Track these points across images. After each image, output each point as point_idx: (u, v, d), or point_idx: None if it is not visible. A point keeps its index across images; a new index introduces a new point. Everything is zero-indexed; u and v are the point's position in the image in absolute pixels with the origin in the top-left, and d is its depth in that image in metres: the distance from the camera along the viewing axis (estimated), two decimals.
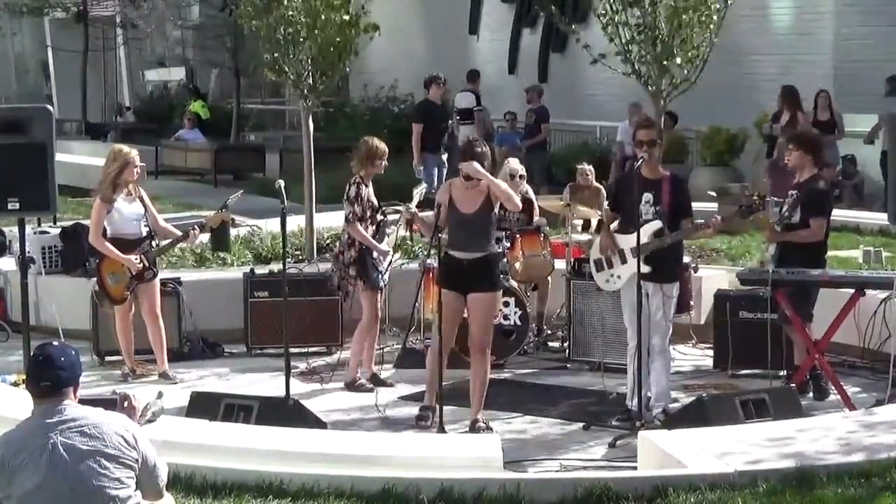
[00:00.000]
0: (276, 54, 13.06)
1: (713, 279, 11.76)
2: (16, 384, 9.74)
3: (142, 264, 10.48)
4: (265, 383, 10.23)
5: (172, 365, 10.83)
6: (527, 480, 7.13)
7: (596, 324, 10.98)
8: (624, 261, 9.29)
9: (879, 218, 13.99)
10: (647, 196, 9.17)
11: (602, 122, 23.20)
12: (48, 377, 5.04)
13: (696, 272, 11.40)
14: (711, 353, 11.05)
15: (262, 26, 13.05)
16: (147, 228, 10.61)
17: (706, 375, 10.77)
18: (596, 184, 13.68)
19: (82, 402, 5.17)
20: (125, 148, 10.80)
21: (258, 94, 34.33)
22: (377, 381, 10.48)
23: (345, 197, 10.30)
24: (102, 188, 10.50)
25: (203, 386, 10.26)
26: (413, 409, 9.63)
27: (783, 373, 10.13)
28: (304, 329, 10.98)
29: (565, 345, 11.41)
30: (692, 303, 11.06)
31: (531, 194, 12.22)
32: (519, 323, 11.13)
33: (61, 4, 35.65)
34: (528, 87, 22.67)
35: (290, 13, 12.74)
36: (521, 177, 11.87)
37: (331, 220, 13.56)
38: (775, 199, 10.33)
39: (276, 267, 11.79)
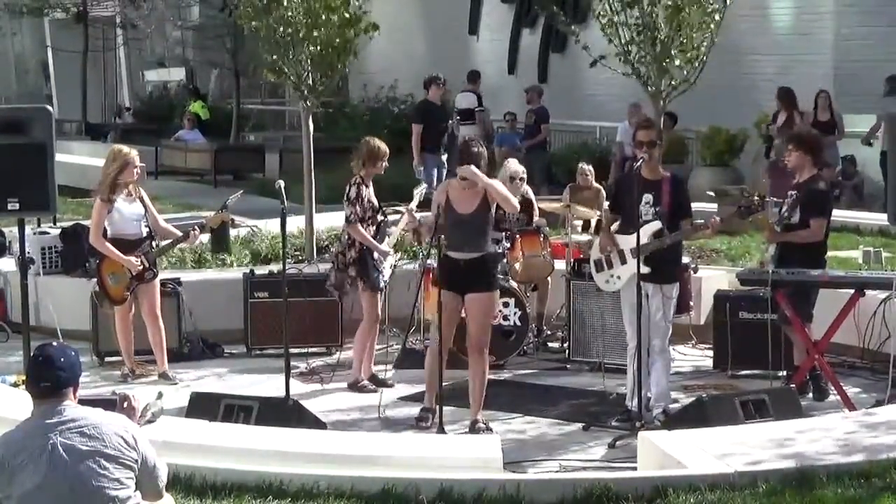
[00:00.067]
0: (275, 55, 13.06)
1: (713, 279, 11.76)
2: (16, 385, 9.74)
3: (142, 265, 10.47)
4: (265, 383, 10.22)
5: (172, 365, 10.83)
6: (527, 481, 7.13)
7: (596, 324, 10.98)
8: (624, 261, 9.29)
9: (879, 218, 13.98)
10: (647, 197, 9.17)
11: (602, 123, 23.20)
12: (48, 378, 5.04)
13: (695, 273, 11.41)
14: (711, 353, 11.05)
15: (261, 27, 13.05)
16: (147, 229, 10.60)
17: (706, 376, 10.77)
18: (596, 184, 13.68)
19: (82, 402, 5.17)
20: (125, 148, 10.80)
21: (258, 95, 34.33)
22: (377, 382, 10.49)
23: (345, 198, 10.29)
24: (102, 188, 10.50)
25: (203, 386, 10.26)
26: (413, 410, 9.63)
27: (783, 373, 10.14)
28: (304, 329, 10.99)
29: (565, 345, 11.41)
30: (692, 303, 11.06)
31: (531, 195, 12.23)
32: (519, 323, 11.13)
33: (61, 5, 35.64)
34: (527, 87, 22.67)
35: (290, 13, 12.74)
36: (521, 179, 11.87)
37: (331, 221, 13.56)
38: (775, 199, 10.33)
39: (275, 267, 11.79)
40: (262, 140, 28.53)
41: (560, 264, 11.89)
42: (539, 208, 12.23)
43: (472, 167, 9.12)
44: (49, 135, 8.91)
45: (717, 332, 10.91)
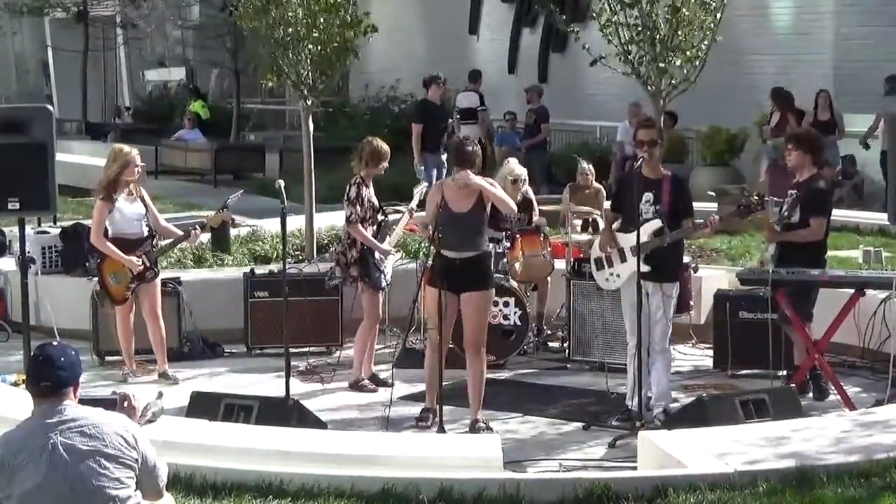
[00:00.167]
0: (274, 55, 13.06)
1: (713, 279, 11.76)
2: (16, 384, 9.74)
3: (143, 264, 10.47)
4: (265, 383, 10.22)
5: (172, 365, 10.82)
6: (527, 480, 7.13)
7: (596, 324, 10.98)
8: (624, 259, 9.29)
9: (879, 218, 13.99)
10: (648, 195, 9.18)
11: (602, 122, 23.20)
12: (48, 377, 5.04)
13: (695, 272, 11.41)
14: (711, 353, 11.05)
15: (261, 27, 13.05)
16: (148, 228, 10.60)
17: (706, 375, 10.77)
18: (596, 184, 13.67)
19: (82, 402, 5.18)
20: (126, 148, 10.79)
21: (258, 94, 34.32)
22: (377, 381, 10.49)
23: (345, 198, 10.29)
24: (103, 188, 10.50)
25: (203, 386, 10.25)
26: (413, 409, 9.63)
27: (783, 373, 10.14)
28: (304, 329, 10.99)
29: (565, 345, 11.41)
30: (692, 303, 11.07)
31: (531, 195, 12.23)
32: (519, 323, 11.14)
33: (61, 4, 35.66)
34: (527, 87, 22.67)
35: (289, 14, 12.74)
36: (522, 181, 11.86)
37: (331, 220, 13.56)
38: (775, 199, 10.33)
39: (276, 267, 11.79)
40: (262, 140, 28.53)
41: (560, 264, 11.90)
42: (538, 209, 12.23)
43: (469, 173, 9.12)
44: (49, 134, 8.91)
45: (717, 331, 10.91)
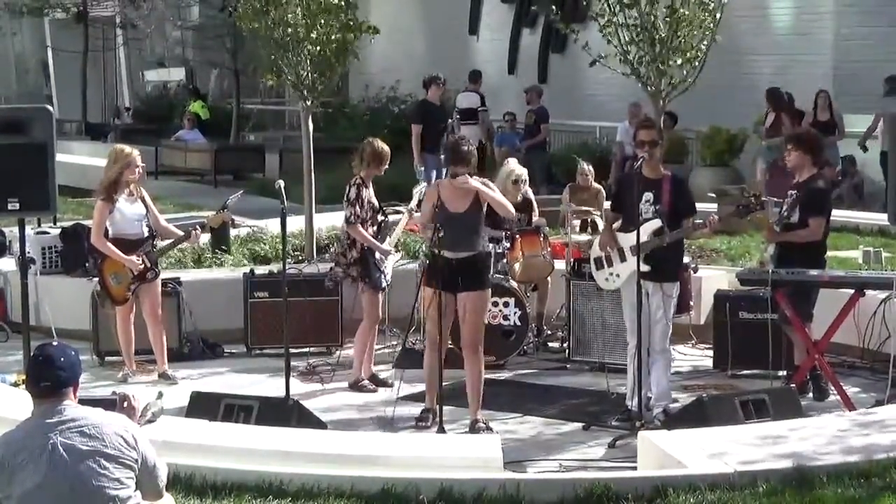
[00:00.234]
0: (273, 56, 13.06)
1: (713, 279, 11.76)
2: (16, 384, 9.74)
3: (143, 265, 10.47)
4: (265, 383, 10.23)
5: (172, 365, 10.83)
6: (527, 481, 7.13)
7: (596, 324, 10.99)
8: (623, 259, 9.30)
9: (879, 218, 13.99)
10: (648, 195, 9.18)
11: (602, 123, 23.20)
12: (48, 377, 5.04)
13: (695, 272, 11.41)
14: (711, 353, 11.05)
15: (260, 28, 13.04)
16: (148, 229, 10.60)
17: (706, 376, 10.77)
18: (596, 184, 13.68)
19: (82, 402, 5.17)
20: (126, 148, 10.79)
21: (258, 95, 34.33)
22: (376, 382, 10.50)
23: (345, 199, 10.29)
24: (104, 188, 10.50)
25: (203, 386, 10.25)
26: (413, 409, 9.63)
27: (783, 373, 10.14)
28: (303, 329, 11.00)
29: (565, 345, 11.41)
30: (692, 303, 11.07)
31: (531, 195, 12.23)
32: (519, 323, 11.14)
33: (61, 5, 35.64)
34: (527, 87, 22.67)
35: (289, 15, 12.73)
36: (523, 181, 11.90)
37: (331, 221, 13.56)
38: (774, 199, 10.33)
39: (275, 267, 11.79)
40: (262, 140, 28.53)
41: (560, 264, 11.90)
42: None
43: (467, 177, 9.12)
44: (49, 135, 8.91)
45: (717, 331, 10.91)
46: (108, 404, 5.51)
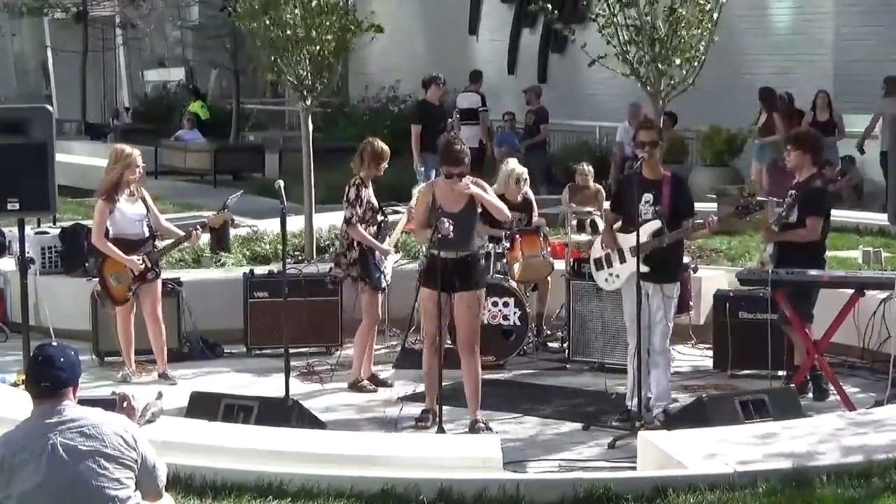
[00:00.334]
0: (273, 56, 13.05)
1: (713, 279, 11.76)
2: (16, 384, 9.74)
3: (144, 265, 10.46)
4: (265, 383, 10.23)
5: (172, 365, 10.83)
6: (526, 481, 7.13)
7: (595, 324, 10.99)
8: (623, 260, 9.30)
9: (879, 218, 14.00)
10: (647, 196, 9.18)
11: (602, 123, 23.20)
12: (48, 377, 5.04)
13: (695, 272, 11.41)
14: (711, 353, 11.05)
15: (259, 28, 13.03)
16: (149, 229, 10.60)
17: (706, 376, 10.77)
18: (595, 184, 13.69)
19: (82, 402, 5.18)
20: (127, 148, 10.79)
21: (258, 95, 34.33)
22: (376, 382, 10.50)
23: (344, 199, 10.29)
24: (104, 189, 10.49)
25: (203, 386, 10.25)
26: (413, 409, 9.63)
27: (783, 373, 10.14)
28: (303, 329, 11.00)
29: (565, 345, 11.41)
30: (692, 303, 11.07)
31: (530, 195, 12.23)
32: (518, 323, 11.14)
33: (61, 5, 35.63)
34: (526, 87, 22.66)
35: (287, 16, 12.72)
36: (524, 180, 11.91)
37: (331, 221, 13.56)
38: (775, 199, 10.33)
39: (275, 267, 11.79)
40: (261, 140, 28.52)
41: (560, 264, 11.90)
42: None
43: (468, 182, 9.11)
44: (49, 135, 8.91)
45: (716, 332, 10.91)
46: (108, 404, 5.51)
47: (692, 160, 21.09)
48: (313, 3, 12.72)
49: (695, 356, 11.38)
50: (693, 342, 11.55)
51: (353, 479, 6.86)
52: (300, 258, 12.96)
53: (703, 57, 12.12)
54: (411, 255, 12.50)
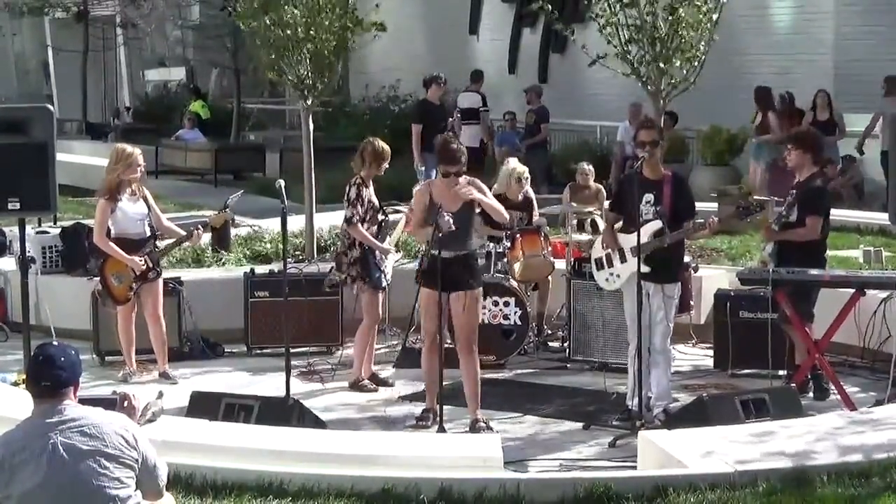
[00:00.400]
0: (273, 56, 13.05)
1: (713, 279, 11.76)
2: (16, 384, 9.74)
3: (145, 264, 10.46)
4: (265, 383, 10.23)
5: (172, 365, 10.83)
6: (527, 480, 7.13)
7: (596, 324, 10.99)
8: (624, 260, 9.30)
9: (879, 218, 14.00)
10: (648, 196, 9.18)
11: (602, 122, 23.20)
12: (48, 377, 5.04)
13: (696, 272, 11.41)
14: (711, 353, 11.05)
15: (259, 28, 13.02)
16: (151, 228, 10.60)
17: (706, 375, 10.77)
18: (596, 184, 13.69)
19: (82, 401, 5.18)
20: (128, 148, 10.79)
21: (258, 94, 34.33)
22: (377, 381, 10.50)
23: (345, 198, 10.29)
24: (106, 188, 10.49)
25: (203, 386, 10.25)
26: (413, 409, 9.63)
27: (783, 372, 10.14)
28: (303, 329, 11.00)
29: (565, 345, 11.41)
30: (692, 303, 11.07)
31: (531, 194, 12.24)
32: (519, 323, 11.14)
33: (61, 4, 35.65)
34: (526, 87, 22.66)
35: (287, 16, 12.71)
36: (525, 178, 11.92)
37: (331, 220, 13.56)
38: (775, 199, 10.33)
39: (276, 267, 11.79)
40: (262, 139, 28.52)
41: (560, 264, 11.90)
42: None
43: (471, 189, 9.09)
44: (49, 134, 8.90)
45: (717, 331, 10.91)
46: (108, 404, 5.51)
47: (693, 160, 21.09)
48: (312, 2, 12.72)
49: (695, 356, 11.38)
50: (693, 342, 11.55)
51: (354, 478, 6.86)
52: (301, 258, 12.96)
53: (703, 56, 12.12)
54: (412, 254, 12.49)
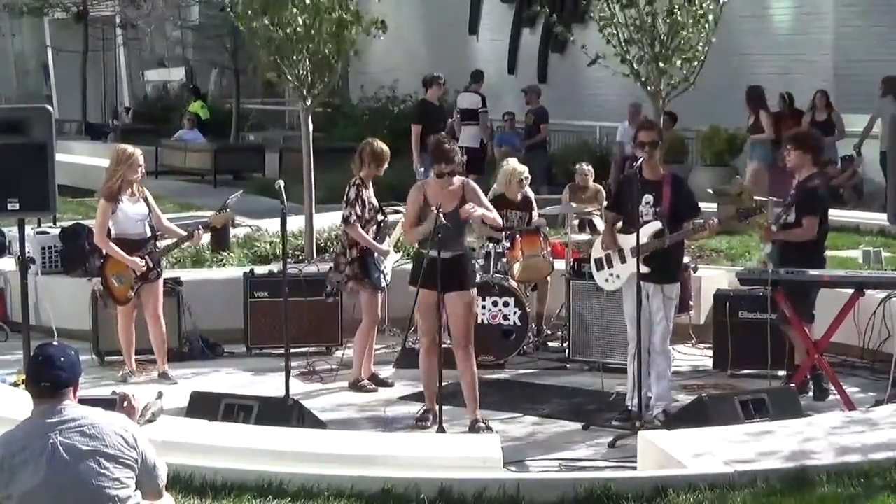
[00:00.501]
0: (273, 56, 13.04)
1: (713, 279, 11.77)
2: (16, 384, 9.74)
3: (146, 265, 10.46)
4: (265, 383, 10.23)
5: (172, 365, 10.83)
6: (526, 480, 7.13)
7: (595, 324, 10.99)
8: (623, 260, 9.30)
9: (879, 218, 14.00)
10: (648, 197, 9.18)
11: (602, 123, 23.20)
12: (48, 377, 5.04)
13: (695, 272, 11.42)
14: (711, 353, 11.05)
15: (259, 28, 13.01)
16: (151, 229, 10.60)
17: (706, 375, 10.78)
18: (595, 184, 13.69)
19: (82, 402, 5.18)
20: (129, 148, 10.79)
21: (258, 94, 34.34)
22: (376, 381, 10.50)
23: (344, 199, 10.29)
24: (106, 188, 10.49)
25: (203, 386, 10.25)
26: (413, 409, 9.63)
27: (783, 373, 10.14)
28: (303, 329, 11.00)
29: (565, 345, 11.41)
30: (692, 303, 11.07)
31: (530, 194, 12.24)
32: (518, 323, 11.14)
33: (61, 4, 35.64)
34: (525, 87, 22.65)
35: (287, 17, 12.69)
36: (525, 178, 11.94)
37: (331, 220, 13.56)
38: (775, 199, 10.33)
39: (275, 267, 11.80)
40: (261, 140, 28.52)
41: (560, 264, 11.90)
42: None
43: (476, 208, 9.09)
44: (49, 135, 8.91)
45: (716, 331, 10.91)
46: (108, 404, 5.51)
47: (692, 160, 21.09)
48: (312, 3, 12.70)
49: (695, 356, 11.39)
50: (693, 342, 11.56)
51: (353, 478, 6.86)
52: (300, 258, 12.96)
53: (703, 57, 12.13)
54: (411, 255, 12.48)
